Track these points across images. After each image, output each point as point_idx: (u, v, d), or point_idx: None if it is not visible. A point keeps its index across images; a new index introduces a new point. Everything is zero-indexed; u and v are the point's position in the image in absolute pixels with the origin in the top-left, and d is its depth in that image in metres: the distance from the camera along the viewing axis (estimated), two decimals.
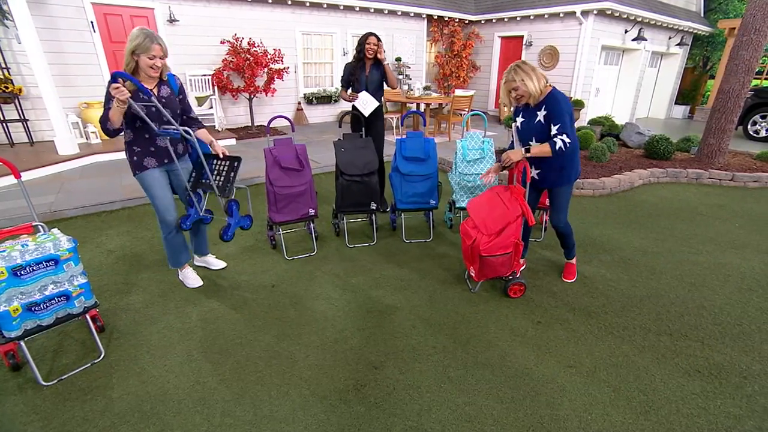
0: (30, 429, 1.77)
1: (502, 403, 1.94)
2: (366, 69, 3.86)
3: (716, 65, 12.43)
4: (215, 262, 3.12)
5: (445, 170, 5.73)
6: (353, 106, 3.89)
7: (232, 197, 2.56)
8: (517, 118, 2.69)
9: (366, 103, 3.81)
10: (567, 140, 2.40)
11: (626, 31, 9.93)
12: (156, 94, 2.38)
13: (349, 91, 3.93)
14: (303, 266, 3.18)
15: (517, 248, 2.63)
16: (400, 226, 3.83)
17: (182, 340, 2.33)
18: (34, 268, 1.91)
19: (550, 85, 2.51)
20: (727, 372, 2.15)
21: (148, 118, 2.27)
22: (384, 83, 3.94)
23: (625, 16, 9.32)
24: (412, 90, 8.36)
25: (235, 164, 2.53)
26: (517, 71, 2.45)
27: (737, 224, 4.19)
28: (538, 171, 2.72)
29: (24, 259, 1.87)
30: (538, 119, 2.49)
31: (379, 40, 3.76)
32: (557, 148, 2.41)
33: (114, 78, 2.11)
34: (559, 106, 2.41)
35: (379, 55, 3.73)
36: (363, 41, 3.73)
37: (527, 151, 2.52)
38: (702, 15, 12.37)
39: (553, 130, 2.42)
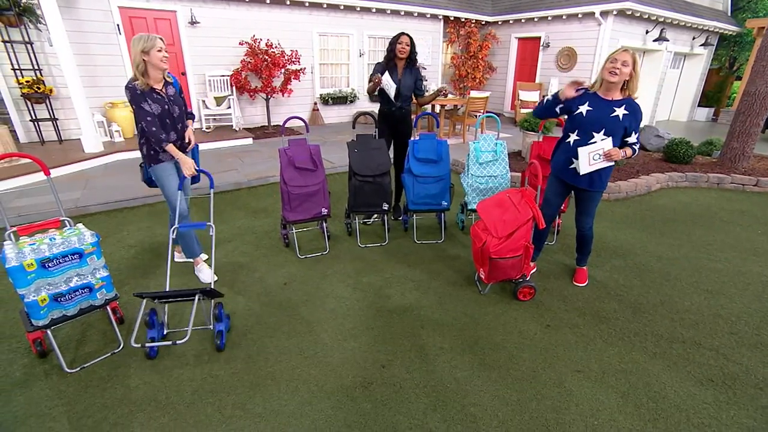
0: (54, 413, 1.87)
1: (507, 406, 1.95)
2: (398, 71, 3.68)
3: (743, 66, 12.02)
4: (202, 270, 3.02)
5: (458, 172, 5.72)
6: (373, 96, 3.72)
7: (219, 300, 2.42)
8: (580, 107, 2.59)
9: (389, 86, 3.62)
10: (638, 149, 2.61)
11: (647, 32, 9.69)
12: (165, 93, 2.61)
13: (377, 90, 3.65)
14: (315, 265, 3.24)
15: (527, 251, 2.63)
16: (411, 226, 3.86)
17: (196, 333, 2.41)
18: (61, 260, 2.02)
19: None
20: (742, 382, 2.11)
21: (162, 117, 2.59)
22: (414, 92, 3.77)
23: (647, 16, 9.10)
24: (427, 91, 8.36)
25: (215, 298, 2.36)
26: (636, 60, 2.45)
27: (760, 231, 4.06)
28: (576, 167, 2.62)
29: (52, 252, 1.98)
30: (615, 114, 2.51)
31: (412, 41, 3.61)
32: (633, 155, 2.62)
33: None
34: (641, 116, 2.56)
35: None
36: (395, 40, 3.59)
37: (634, 152, 2.58)
38: (729, 14, 11.97)
39: (633, 137, 2.56)
